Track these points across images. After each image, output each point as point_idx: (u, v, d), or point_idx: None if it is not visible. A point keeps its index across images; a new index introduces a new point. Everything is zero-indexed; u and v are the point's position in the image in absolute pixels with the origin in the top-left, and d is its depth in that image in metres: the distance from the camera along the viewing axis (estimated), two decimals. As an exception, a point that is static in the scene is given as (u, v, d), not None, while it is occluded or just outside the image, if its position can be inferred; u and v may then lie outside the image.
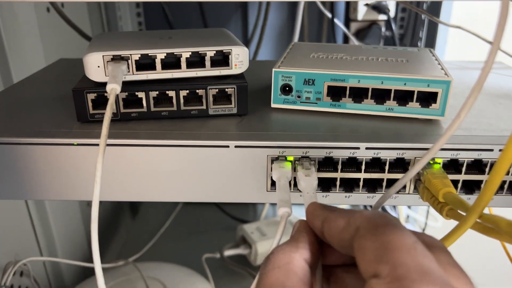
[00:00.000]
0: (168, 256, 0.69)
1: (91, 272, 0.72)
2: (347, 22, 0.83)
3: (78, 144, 0.31)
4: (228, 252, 0.67)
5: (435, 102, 0.33)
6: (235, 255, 0.68)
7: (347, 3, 0.82)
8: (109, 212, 0.85)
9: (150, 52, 0.32)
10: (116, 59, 0.31)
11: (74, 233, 0.70)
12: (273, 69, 0.34)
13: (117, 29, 0.82)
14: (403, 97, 0.33)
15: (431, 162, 0.30)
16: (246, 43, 0.85)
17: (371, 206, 0.72)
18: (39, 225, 0.60)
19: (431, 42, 0.83)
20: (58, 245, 0.64)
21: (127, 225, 0.88)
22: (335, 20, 0.77)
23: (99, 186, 0.25)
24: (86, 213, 0.73)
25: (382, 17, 0.79)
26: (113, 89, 0.27)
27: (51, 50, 0.61)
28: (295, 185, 0.31)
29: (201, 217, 0.83)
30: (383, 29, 0.82)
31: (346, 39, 0.84)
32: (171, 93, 0.33)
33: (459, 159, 0.30)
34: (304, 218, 0.25)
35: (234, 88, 0.34)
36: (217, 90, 0.34)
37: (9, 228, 0.52)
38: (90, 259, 0.76)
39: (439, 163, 0.30)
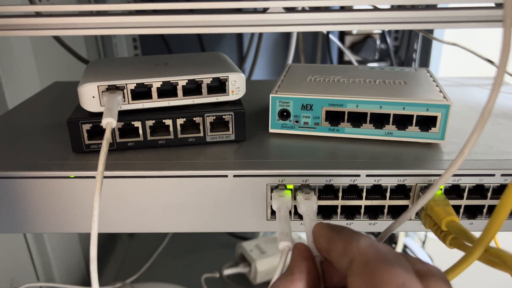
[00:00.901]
0: (167, 276, 0.68)
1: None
2: (342, 35, 0.83)
3: (74, 177, 0.30)
4: (227, 271, 0.66)
5: (434, 126, 0.32)
6: (235, 274, 0.67)
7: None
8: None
9: (145, 81, 0.32)
10: (111, 89, 0.31)
11: (71, 256, 0.69)
12: (271, 95, 0.34)
13: (111, 48, 0.81)
14: (402, 121, 0.33)
15: (433, 188, 0.30)
16: (242, 60, 0.85)
17: (390, 238, 0.72)
18: (35, 249, 0.59)
19: (425, 54, 0.83)
20: (55, 269, 0.63)
21: (124, 244, 0.87)
22: (330, 35, 0.78)
23: (97, 224, 0.25)
24: (83, 235, 0.73)
25: (377, 30, 0.80)
26: (109, 123, 0.26)
27: (46, 72, 0.61)
28: (296, 213, 0.31)
29: (198, 234, 0.82)
30: (378, 41, 0.82)
31: (341, 53, 0.84)
32: (168, 122, 0.33)
33: (460, 184, 0.30)
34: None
35: (231, 115, 0.33)
36: (214, 117, 0.33)
37: (4, 252, 0.51)
38: (88, 282, 0.75)
39: (441, 189, 0.30)
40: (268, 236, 0.74)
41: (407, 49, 0.85)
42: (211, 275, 0.65)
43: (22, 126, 0.38)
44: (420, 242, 0.77)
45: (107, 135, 0.26)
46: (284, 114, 0.34)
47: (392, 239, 0.73)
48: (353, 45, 0.81)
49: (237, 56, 0.89)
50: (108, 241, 0.84)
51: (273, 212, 0.31)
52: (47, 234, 0.60)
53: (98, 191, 0.25)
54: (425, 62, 0.83)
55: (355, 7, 0.39)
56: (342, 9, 0.33)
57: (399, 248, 0.67)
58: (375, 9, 0.29)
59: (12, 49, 0.52)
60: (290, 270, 0.23)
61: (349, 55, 0.76)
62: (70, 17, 0.28)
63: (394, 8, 0.27)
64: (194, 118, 0.33)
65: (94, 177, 0.30)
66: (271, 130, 0.35)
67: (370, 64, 0.84)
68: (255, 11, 0.27)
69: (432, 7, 0.28)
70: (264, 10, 0.26)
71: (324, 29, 0.26)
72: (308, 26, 0.26)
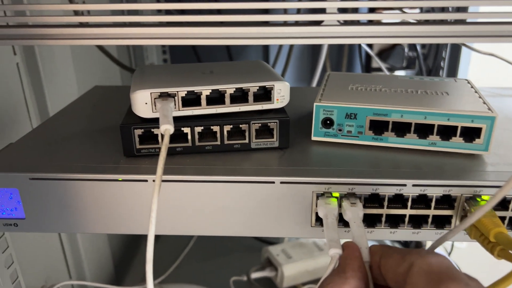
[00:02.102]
0: (193, 278, 0.69)
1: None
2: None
3: (124, 180, 0.31)
4: (254, 275, 0.67)
5: (479, 137, 0.33)
6: (261, 277, 0.68)
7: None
8: (133, 232, 0.85)
9: (196, 89, 0.32)
10: (163, 96, 0.32)
11: (100, 256, 0.71)
12: (315, 103, 0.35)
13: (142, 51, 0.83)
14: (446, 131, 0.33)
15: (479, 199, 0.30)
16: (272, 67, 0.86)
17: (417, 243, 0.71)
18: (69, 249, 0.61)
19: (454, 63, 0.83)
20: (86, 268, 0.65)
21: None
22: (359, 42, 0.78)
23: (154, 227, 0.25)
24: (112, 235, 0.74)
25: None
26: (167, 129, 0.27)
27: (83, 75, 0.62)
28: (340, 220, 0.32)
29: (224, 237, 0.83)
30: (406, 49, 0.82)
31: (368, 59, 0.85)
32: (216, 128, 0.34)
33: (506, 196, 0.30)
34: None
35: (276, 122, 0.34)
36: (260, 124, 0.34)
37: (41, 251, 0.53)
38: (115, 281, 0.76)
39: (486, 200, 0.30)
40: (294, 241, 0.75)
41: (435, 57, 0.84)
42: (239, 278, 0.65)
43: (70, 130, 0.40)
44: (446, 252, 0.77)
45: (166, 141, 0.27)
46: (327, 123, 0.35)
47: (419, 244, 0.73)
48: (381, 52, 0.82)
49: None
50: (134, 242, 0.86)
51: (317, 219, 0.32)
52: (80, 234, 0.61)
53: (157, 194, 0.26)
54: (453, 70, 0.83)
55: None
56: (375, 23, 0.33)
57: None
58: (419, 23, 0.29)
59: (53, 54, 0.54)
60: (342, 268, 0.23)
61: (378, 62, 0.76)
62: (108, 28, 0.29)
63: (430, 22, 0.28)
64: (240, 125, 0.34)
65: (145, 180, 0.31)
66: (313, 138, 0.36)
67: (398, 72, 0.84)
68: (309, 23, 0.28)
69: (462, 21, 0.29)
70: (319, 23, 0.27)
71: (376, 41, 0.27)
72: (362, 39, 0.27)
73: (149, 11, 0.28)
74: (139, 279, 0.76)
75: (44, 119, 0.53)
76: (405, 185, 0.30)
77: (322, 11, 0.26)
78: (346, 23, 0.27)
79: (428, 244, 0.71)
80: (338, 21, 0.26)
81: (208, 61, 0.83)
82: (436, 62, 0.85)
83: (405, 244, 0.75)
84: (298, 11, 0.62)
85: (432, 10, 0.60)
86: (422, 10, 0.61)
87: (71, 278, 0.62)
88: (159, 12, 0.65)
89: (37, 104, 0.52)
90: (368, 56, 0.82)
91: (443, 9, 0.53)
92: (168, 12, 0.66)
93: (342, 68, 0.91)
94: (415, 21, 0.29)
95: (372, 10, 0.70)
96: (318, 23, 0.27)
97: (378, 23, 0.28)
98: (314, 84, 0.72)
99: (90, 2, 0.30)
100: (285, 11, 0.74)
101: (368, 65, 0.83)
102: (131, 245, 0.85)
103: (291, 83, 0.93)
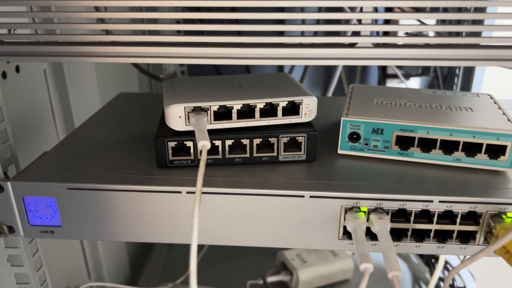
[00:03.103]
0: (210, 281, 0.70)
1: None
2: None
3: (158, 191, 0.32)
4: (270, 279, 0.68)
5: (503, 154, 0.33)
6: (277, 281, 0.69)
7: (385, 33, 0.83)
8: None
9: (227, 103, 0.33)
10: (196, 110, 0.33)
11: (118, 257, 0.72)
12: (342, 118, 0.36)
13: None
14: (471, 148, 0.34)
15: (504, 216, 0.31)
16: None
17: (446, 263, 0.70)
18: (89, 251, 0.62)
19: (469, 71, 0.83)
20: (105, 269, 0.66)
21: (165, 248, 0.90)
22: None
23: (196, 238, 0.26)
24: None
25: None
26: (205, 145, 0.28)
27: (104, 82, 0.64)
28: (367, 234, 0.32)
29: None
30: (422, 57, 0.82)
31: (384, 65, 0.85)
32: (245, 141, 0.35)
33: (531, 213, 0.31)
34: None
35: (304, 136, 0.35)
36: (288, 138, 0.35)
37: (63, 253, 0.54)
38: (130, 281, 0.78)
39: (511, 217, 0.31)
40: (308, 245, 0.75)
41: (449, 67, 0.85)
42: (255, 282, 0.67)
43: (101, 139, 0.41)
44: (458, 260, 0.77)
45: (204, 156, 0.28)
46: (354, 137, 0.36)
47: (432, 255, 0.74)
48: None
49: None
50: (148, 244, 0.87)
51: (345, 232, 0.33)
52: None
53: (197, 207, 0.27)
54: (468, 78, 0.84)
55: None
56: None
57: (440, 265, 0.67)
58: (437, 46, 0.30)
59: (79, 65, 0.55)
60: None
61: (394, 69, 0.76)
62: (133, 46, 0.30)
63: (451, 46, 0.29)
64: (269, 139, 0.35)
65: (180, 192, 0.32)
66: (340, 151, 0.37)
67: (413, 78, 0.85)
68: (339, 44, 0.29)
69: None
70: (353, 45, 0.28)
71: (404, 63, 0.28)
72: (391, 61, 0.28)
73: (168, 32, 0.29)
74: (154, 279, 0.77)
75: (68, 123, 0.54)
76: (431, 201, 0.31)
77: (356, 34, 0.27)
78: (379, 45, 0.27)
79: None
80: (372, 43, 0.27)
81: (226, 72, 0.85)
82: (451, 69, 0.85)
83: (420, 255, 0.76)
84: (315, 33, 0.63)
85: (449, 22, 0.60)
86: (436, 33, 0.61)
87: (90, 279, 0.64)
88: (178, 32, 0.66)
89: (61, 110, 0.54)
90: (384, 63, 0.83)
91: (459, 22, 0.53)
92: (188, 31, 0.67)
93: (356, 74, 0.91)
94: (435, 44, 0.30)
95: (386, 22, 0.71)
96: (352, 45, 0.27)
97: (405, 46, 0.29)
98: (331, 92, 0.73)
99: (113, 22, 0.31)
100: (302, 33, 0.75)
101: (384, 72, 0.83)
102: (146, 246, 0.87)
103: (310, 83, 0.94)
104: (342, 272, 0.69)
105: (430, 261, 0.74)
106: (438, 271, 0.66)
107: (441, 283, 0.70)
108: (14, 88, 0.43)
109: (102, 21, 0.37)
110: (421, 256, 0.76)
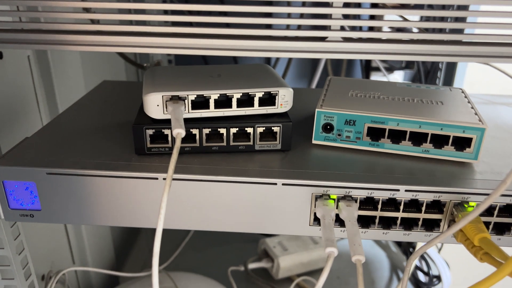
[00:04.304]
0: (192, 267, 0.72)
1: (117, 280, 0.75)
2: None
3: (135, 177, 0.33)
4: (251, 265, 0.69)
5: (469, 146, 0.35)
6: (258, 268, 0.71)
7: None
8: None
9: (205, 93, 0.34)
10: (174, 99, 0.34)
11: (102, 243, 0.73)
12: (316, 109, 0.37)
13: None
14: (439, 140, 0.36)
15: (466, 205, 0.32)
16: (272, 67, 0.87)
17: (408, 243, 0.72)
18: (73, 235, 0.63)
19: (452, 64, 0.84)
20: (89, 254, 0.67)
21: (151, 231, 0.91)
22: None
23: (162, 222, 0.28)
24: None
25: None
26: (179, 133, 0.29)
27: (90, 69, 0.64)
28: (336, 220, 0.34)
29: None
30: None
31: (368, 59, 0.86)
32: (222, 130, 0.36)
33: (491, 203, 0.32)
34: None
35: (280, 126, 0.36)
36: (264, 128, 0.36)
37: (46, 237, 0.55)
38: (116, 268, 0.79)
39: (473, 206, 0.33)
40: (290, 233, 0.77)
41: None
42: (237, 268, 0.68)
43: (82, 125, 0.41)
44: (436, 248, 0.80)
45: (178, 144, 0.29)
46: (327, 128, 0.37)
47: (410, 244, 0.76)
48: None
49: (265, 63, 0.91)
50: (134, 228, 0.88)
51: (315, 219, 0.34)
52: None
53: (167, 192, 0.28)
54: (451, 71, 0.85)
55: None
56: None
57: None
58: (417, 41, 0.31)
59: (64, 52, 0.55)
60: None
61: (377, 62, 0.78)
62: (120, 36, 0.31)
63: (428, 41, 0.30)
64: (246, 128, 0.36)
65: (157, 178, 0.33)
66: (314, 142, 0.38)
67: (397, 72, 0.86)
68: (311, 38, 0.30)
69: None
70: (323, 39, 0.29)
71: (376, 57, 0.29)
72: (362, 55, 0.29)
73: (156, 22, 0.30)
74: (139, 265, 0.78)
75: (52, 109, 0.55)
76: (398, 190, 0.32)
77: (325, 28, 0.28)
78: (348, 39, 0.29)
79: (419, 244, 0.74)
80: (342, 37, 0.28)
81: (214, 62, 0.85)
82: (434, 63, 0.86)
83: (398, 244, 0.78)
84: (299, 27, 0.63)
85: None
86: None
87: (74, 264, 0.65)
88: (166, 23, 0.67)
89: (46, 96, 0.54)
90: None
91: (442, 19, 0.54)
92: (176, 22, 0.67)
93: (342, 66, 0.93)
94: (412, 39, 0.31)
95: (372, 17, 0.72)
96: (322, 39, 0.28)
97: (378, 40, 0.30)
98: (315, 83, 0.74)
99: (99, 11, 0.31)
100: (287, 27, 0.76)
101: (368, 65, 0.85)
102: (131, 232, 0.88)
103: (292, 81, 0.95)
104: (322, 260, 0.71)
105: (408, 250, 0.76)
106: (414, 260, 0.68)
107: (418, 272, 0.73)
108: (-3, 74, 0.43)
109: (88, 10, 0.37)
110: (399, 244, 0.78)
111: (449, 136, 0.35)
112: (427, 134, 0.35)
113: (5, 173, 0.33)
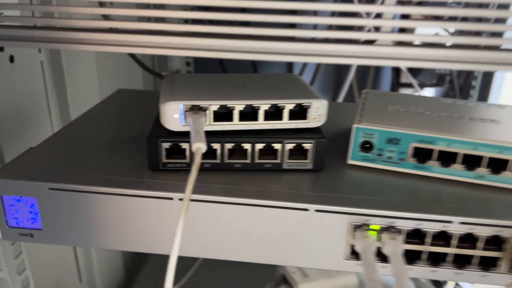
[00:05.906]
0: (206, 289, 0.67)
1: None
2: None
3: (148, 196, 0.29)
4: (269, 292, 0.65)
5: (533, 173, 0.30)
6: (275, 295, 0.66)
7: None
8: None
9: (229, 103, 0.31)
10: (194, 109, 0.30)
11: (111, 260, 0.69)
12: (354, 125, 0.32)
13: (165, 57, 0.81)
14: (496, 164, 0.31)
15: (533, 243, 0.27)
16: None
17: (457, 284, 0.67)
18: (81, 252, 0.59)
19: (487, 81, 0.80)
20: (97, 273, 0.63)
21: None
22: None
23: (177, 250, 0.24)
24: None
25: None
26: (199, 148, 0.25)
27: (104, 75, 0.61)
28: (377, 254, 0.29)
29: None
30: (438, 66, 0.79)
31: (398, 74, 0.82)
32: (247, 146, 0.32)
33: None
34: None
35: (312, 143, 0.32)
36: (294, 144, 0.32)
37: (52, 255, 0.51)
38: (125, 286, 0.75)
39: (541, 244, 0.28)
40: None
41: (467, 75, 0.81)
42: (253, 295, 0.63)
43: (93, 137, 0.38)
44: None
45: (197, 160, 0.25)
46: (366, 146, 0.33)
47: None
48: (412, 67, 0.79)
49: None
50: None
51: (352, 252, 0.29)
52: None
53: (183, 215, 0.24)
54: (485, 89, 0.80)
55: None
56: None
57: (450, 286, 0.64)
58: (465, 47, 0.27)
59: (78, 53, 0.52)
60: None
61: (408, 77, 0.73)
62: (136, 35, 0.28)
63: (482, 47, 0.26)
64: (273, 144, 0.32)
65: (172, 198, 0.29)
66: (349, 162, 0.34)
67: (428, 89, 0.81)
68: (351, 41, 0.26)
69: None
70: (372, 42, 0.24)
71: (437, 66, 0.25)
72: (414, 62, 0.25)
73: (175, 20, 0.26)
74: (150, 285, 0.74)
75: (64, 118, 0.52)
76: (451, 222, 0.28)
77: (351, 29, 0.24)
78: (398, 43, 0.24)
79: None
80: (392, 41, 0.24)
81: (233, 71, 0.82)
82: (468, 80, 0.82)
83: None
84: (330, 28, 0.60)
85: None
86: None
87: (81, 282, 0.61)
88: (186, 22, 0.64)
89: (58, 104, 0.51)
90: (397, 71, 0.80)
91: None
92: (196, 22, 0.65)
93: (368, 80, 0.88)
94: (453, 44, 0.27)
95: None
96: (371, 42, 0.24)
97: (425, 45, 0.26)
98: (341, 97, 0.70)
99: (117, 7, 0.28)
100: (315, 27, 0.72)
101: (398, 80, 0.80)
102: (141, 253, 0.84)
103: (318, 84, 0.91)
104: (345, 288, 0.66)
105: (438, 280, 0.70)
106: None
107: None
108: (7, 79, 0.40)
109: (102, 5, 0.34)
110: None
111: (508, 161, 0.30)
112: (482, 157, 0.31)
113: (4, 186, 0.30)
